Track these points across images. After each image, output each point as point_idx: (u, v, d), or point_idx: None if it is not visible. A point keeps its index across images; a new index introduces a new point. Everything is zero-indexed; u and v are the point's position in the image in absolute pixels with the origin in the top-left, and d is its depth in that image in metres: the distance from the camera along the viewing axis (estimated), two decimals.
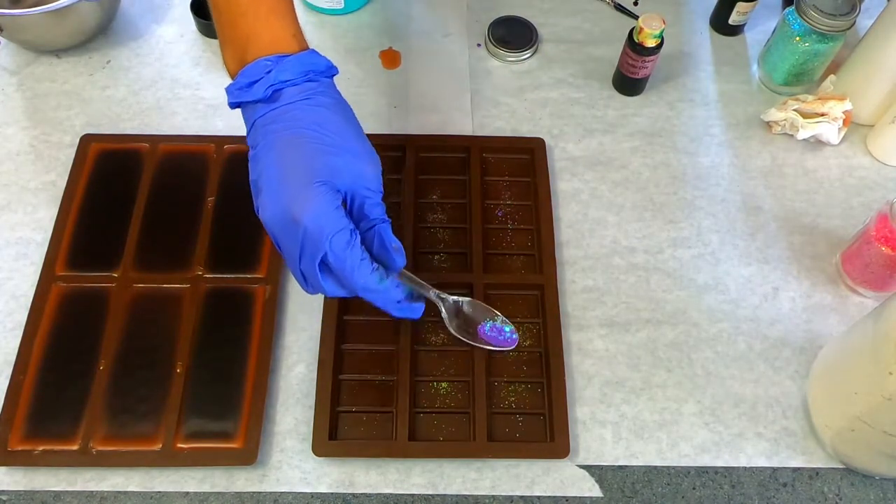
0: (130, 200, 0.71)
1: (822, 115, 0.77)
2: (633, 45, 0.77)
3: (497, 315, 0.64)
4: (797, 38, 0.76)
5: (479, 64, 0.84)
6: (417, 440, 0.61)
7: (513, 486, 0.61)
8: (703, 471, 0.62)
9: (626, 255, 0.72)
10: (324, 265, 0.52)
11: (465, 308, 0.63)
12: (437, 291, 0.61)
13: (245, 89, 0.53)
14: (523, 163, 0.75)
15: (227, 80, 0.79)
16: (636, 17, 0.87)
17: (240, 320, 0.65)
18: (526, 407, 0.63)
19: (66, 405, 0.61)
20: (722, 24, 0.87)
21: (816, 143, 0.79)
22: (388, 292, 0.54)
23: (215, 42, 0.84)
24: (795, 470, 0.62)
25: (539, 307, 0.67)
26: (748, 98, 0.83)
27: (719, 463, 0.62)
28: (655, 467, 0.62)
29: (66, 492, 0.59)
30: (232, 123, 0.78)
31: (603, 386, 0.65)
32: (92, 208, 0.70)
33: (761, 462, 0.62)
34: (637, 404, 0.64)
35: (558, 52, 0.85)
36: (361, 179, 0.53)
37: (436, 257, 0.70)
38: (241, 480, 0.60)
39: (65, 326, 0.64)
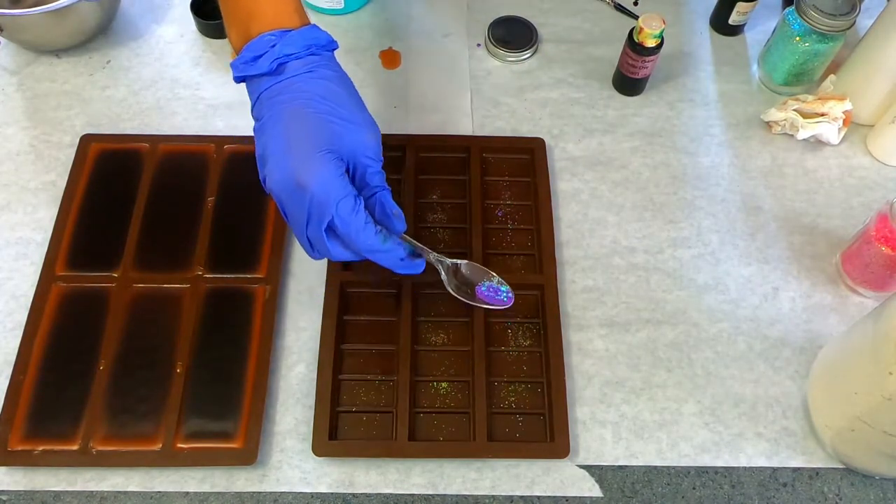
0: (130, 200, 0.71)
1: (822, 115, 0.77)
2: (633, 45, 0.77)
3: (493, 276, 0.64)
4: (797, 38, 0.76)
5: (479, 64, 0.84)
6: (417, 440, 0.61)
7: (513, 486, 0.61)
8: (703, 471, 0.62)
9: (626, 255, 0.72)
10: (329, 230, 0.54)
11: (463, 269, 0.64)
12: (436, 255, 0.63)
13: (250, 63, 0.55)
14: (523, 163, 0.75)
15: (228, 80, 0.81)
16: (636, 17, 0.87)
17: (240, 320, 0.65)
18: (526, 407, 0.63)
19: (66, 405, 0.61)
20: (722, 24, 0.87)
21: (816, 143, 0.79)
22: (393, 251, 0.57)
23: (215, 42, 0.84)
24: (795, 470, 0.62)
25: (539, 307, 0.67)
26: (748, 98, 0.83)
27: (719, 463, 0.62)
28: (655, 467, 0.62)
29: (66, 492, 0.59)
30: (232, 123, 0.78)
31: (603, 386, 0.65)
32: (92, 208, 0.70)
33: (761, 462, 0.62)
34: (637, 404, 0.64)
35: (558, 52, 0.85)
36: (363, 148, 0.55)
37: None
38: (241, 480, 0.60)
39: (65, 326, 0.64)
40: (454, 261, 0.64)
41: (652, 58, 0.77)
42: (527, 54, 0.84)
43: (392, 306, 0.66)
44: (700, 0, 0.90)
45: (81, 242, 0.69)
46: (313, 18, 0.86)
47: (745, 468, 0.62)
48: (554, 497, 0.60)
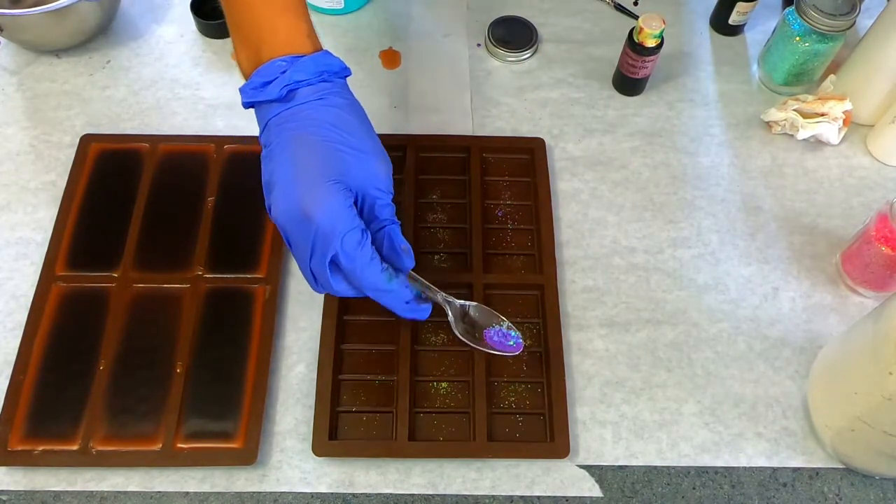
0: (130, 200, 0.71)
1: (822, 115, 0.77)
2: (633, 45, 0.77)
3: (503, 320, 0.63)
4: (797, 38, 0.76)
5: (479, 64, 0.84)
6: (417, 440, 0.61)
7: (513, 486, 0.61)
8: (703, 471, 0.62)
9: (626, 255, 0.72)
10: (333, 264, 0.52)
11: (472, 312, 0.63)
12: (444, 295, 0.61)
13: (259, 89, 0.53)
14: (523, 163, 0.75)
15: (228, 80, 0.81)
16: (636, 17, 0.87)
17: (240, 320, 0.65)
18: (526, 407, 0.63)
19: (66, 405, 0.61)
20: (722, 24, 0.87)
21: (816, 143, 0.79)
22: (397, 292, 0.55)
23: (215, 42, 0.84)
24: (795, 470, 0.62)
25: (539, 307, 0.67)
26: (748, 98, 0.83)
27: (719, 463, 0.62)
28: (655, 467, 0.62)
29: (66, 492, 0.59)
30: (232, 123, 0.78)
31: (603, 386, 0.65)
32: (92, 208, 0.70)
33: (761, 462, 0.62)
34: (637, 404, 0.64)
35: (558, 52, 0.85)
36: (372, 179, 0.53)
37: (436, 257, 0.70)
38: (241, 480, 0.60)
39: (65, 326, 0.64)
40: (463, 302, 0.62)
41: (652, 58, 0.77)
42: (527, 54, 0.84)
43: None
44: (700, 0, 0.90)
45: (81, 242, 0.69)
46: (313, 18, 0.86)
47: (745, 468, 0.62)
48: (554, 497, 0.60)
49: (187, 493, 0.60)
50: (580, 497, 0.60)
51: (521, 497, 0.60)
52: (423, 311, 0.58)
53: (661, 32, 0.76)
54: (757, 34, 0.88)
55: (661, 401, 0.64)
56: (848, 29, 0.74)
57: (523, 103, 0.81)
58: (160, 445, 0.60)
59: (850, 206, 0.75)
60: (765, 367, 0.66)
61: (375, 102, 0.80)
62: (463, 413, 0.63)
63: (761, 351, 0.67)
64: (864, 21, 0.80)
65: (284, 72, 0.53)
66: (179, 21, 0.85)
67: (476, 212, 0.71)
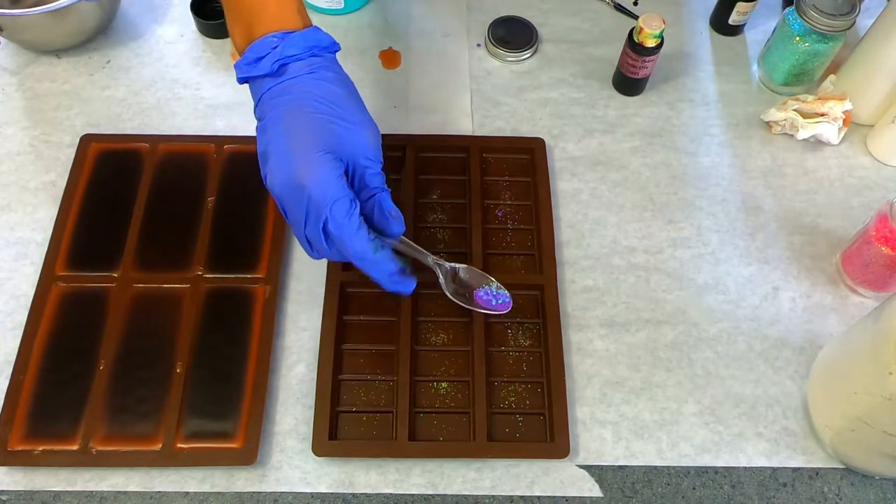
0: (130, 200, 0.71)
1: (822, 115, 0.77)
2: (633, 45, 0.77)
3: (492, 281, 0.64)
4: (797, 38, 0.76)
5: (479, 64, 0.84)
6: (417, 440, 0.61)
7: (513, 486, 0.61)
8: (703, 471, 0.62)
9: (626, 255, 0.72)
10: (325, 231, 0.54)
11: (462, 273, 0.64)
12: (434, 258, 0.63)
13: (253, 64, 0.55)
14: (523, 163, 0.75)
15: (228, 80, 0.81)
16: (636, 17, 0.87)
17: (240, 320, 0.65)
18: (526, 407, 0.63)
19: (66, 405, 0.61)
20: (722, 24, 0.87)
21: (816, 143, 0.79)
22: (383, 263, 0.56)
23: (215, 42, 0.84)
24: (795, 470, 0.62)
25: (539, 307, 0.67)
26: (748, 98, 0.83)
27: (719, 463, 0.62)
28: (655, 467, 0.62)
29: (66, 492, 0.59)
30: (232, 123, 0.78)
31: (603, 386, 0.65)
32: (92, 208, 0.70)
33: (761, 462, 0.62)
34: (637, 404, 0.64)
35: (558, 52, 0.85)
36: (362, 149, 0.55)
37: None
38: (241, 480, 0.60)
39: (65, 326, 0.64)
40: (453, 264, 0.64)
41: (652, 58, 0.77)
42: (527, 54, 0.84)
43: (392, 306, 0.66)
44: (700, 0, 0.90)
45: (81, 242, 0.69)
46: (313, 18, 0.86)
47: (745, 468, 0.62)
48: (554, 497, 0.60)
49: (187, 493, 0.60)
50: (580, 497, 0.60)
51: (521, 497, 0.60)
52: (407, 285, 0.59)
53: (661, 32, 0.76)
54: (757, 34, 0.88)
55: (661, 401, 0.64)
56: (848, 29, 0.74)
57: (523, 103, 0.81)
58: (160, 445, 0.60)
59: (850, 206, 0.75)
60: (765, 367, 0.66)
61: (375, 102, 0.80)
62: (463, 413, 0.63)
63: (761, 351, 0.67)
64: (864, 21, 0.80)
65: (276, 47, 0.55)
66: (179, 21, 0.85)
67: (476, 212, 0.71)
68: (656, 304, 0.69)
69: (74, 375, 0.62)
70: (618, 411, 0.64)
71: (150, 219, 0.70)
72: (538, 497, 0.60)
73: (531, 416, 0.63)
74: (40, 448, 0.59)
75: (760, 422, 0.64)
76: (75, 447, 0.59)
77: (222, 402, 0.61)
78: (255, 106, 0.57)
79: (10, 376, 0.62)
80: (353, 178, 0.56)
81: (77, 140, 0.74)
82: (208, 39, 0.84)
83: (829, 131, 0.77)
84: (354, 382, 0.64)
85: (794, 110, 0.78)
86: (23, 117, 0.78)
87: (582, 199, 0.75)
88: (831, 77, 0.79)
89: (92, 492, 0.59)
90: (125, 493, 0.59)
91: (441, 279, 0.63)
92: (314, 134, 0.54)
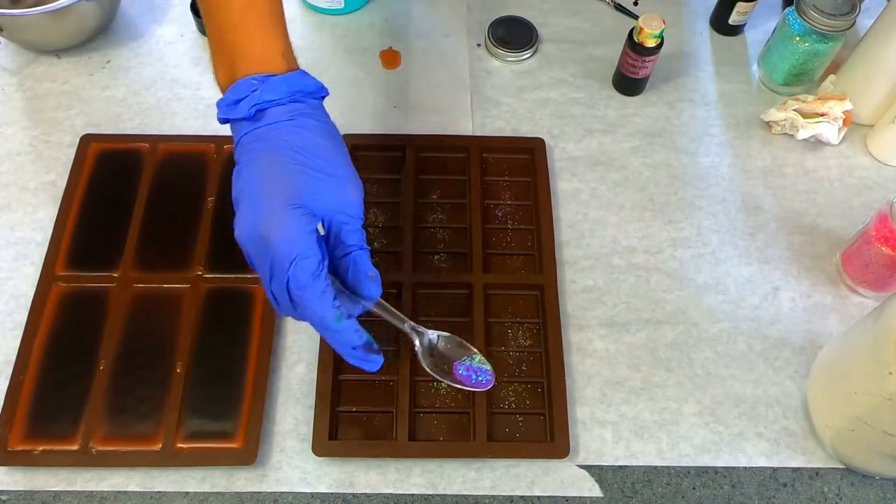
0: (130, 200, 0.71)
1: (822, 115, 0.77)
2: (633, 45, 0.77)
3: (475, 354, 0.60)
4: (797, 38, 0.76)
5: (479, 64, 0.84)
6: (417, 440, 0.61)
7: (513, 486, 0.61)
8: (703, 471, 0.62)
9: (626, 255, 0.72)
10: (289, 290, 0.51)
11: (441, 344, 0.60)
12: (412, 324, 0.58)
13: (232, 106, 0.52)
14: (523, 163, 0.75)
15: None
16: (636, 17, 0.87)
17: (240, 320, 0.65)
18: (526, 407, 0.63)
19: (66, 405, 0.61)
20: (722, 24, 0.87)
21: (816, 143, 0.79)
22: (344, 334, 0.52)
23: None
24: (795, 470, 0.62)
25: (539, 307, 0.67)
26: (748, 98, 0.83)
27: (719, 463, 0.62)
28: (655, 467, 0.62)
29: (66, 492, 0.59)
30: None
31: (603, 386, 0.65)
32: (92, 208, 0.70)
33: (761, 462, 0.62)
34: (637, 404, 0.64)
35: (558, 52, 0.85)
36: (340, 205, 0.52)
37: (436, 257, 0.70)
38: (241, 480, 0.60)
39: (65, 326, 0.64)
40: (432, 334, 0.59)
41: (652, 58, 0.77)
42: (527, 54, 0.84)
43: (392, 306, 0.66)
44: (700, 0, 0.90)
45: (81, 242, 0.69)
46: (313, 18, 0.87)
47: (745, 468, 0.62)
48: (554, 497, 0.60)
49: (187, 493, 0.60)
50: (580, 497, 0.60)
51: (521, 497, 0.60)
52: (371, 363, 0.54)
53: (661, 32, 0.76)
54: (757, 34, 0.88)
55: (661, 401, 0.64)
56: (848, 29, 0.74)
57: (523, 103, 0.81)
58: (160, 445, 0.60)
59: (850, 206, 0.75)
60: (765, 367, 0.66)
61: (375, 102, 0.80)
62: (463, 413, 0.63)
63: (761, 351, 0.67)
64: (864, 21, 0.80)
65: (255, 90, 0.52)
66: (179, 21, 0.85)
67: (476, 212, 0.71)
68: (656, 304, 0.69)
69: (74, 375, 0.62)
70: (618, 411, 0.64)
71: (150, 219, 0.70)
72: (538, 497, 0.60)
73: (531, 416, 0.63)
74: (40, 448, 0.59)
75: (760, 422, 0.64)
76: (75, 447, 0.59)
77: (222, 402, 0.61)
78: (234, 148, 0.54)
79: (10, 376, 0.62)
80: (328, 233, 0.52)
81: (77, 140, 0.74)
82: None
83: (829, 131, 0.77)
84: (354, 382, 0.64)
85: (794, 110, 0.78)
86: (23, 117, 0.78)
87: (582, 199, 0.75)
88: (831, 77, 0.79)
89: (92, 492, 0.59)
90: (125, 493, 0.59)
91: (418, 348, 0.58)
92: (286, 185, 0.50)
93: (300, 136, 0.52)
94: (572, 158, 0.77)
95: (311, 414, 0.62)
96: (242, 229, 0.50)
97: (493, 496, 0.60)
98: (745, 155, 0.79)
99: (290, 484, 0.60)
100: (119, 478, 0.60)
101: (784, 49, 0.78)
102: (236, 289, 0.66)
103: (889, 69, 0.74)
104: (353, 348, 0.53)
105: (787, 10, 0.77)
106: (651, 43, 0.76)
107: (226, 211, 0.70)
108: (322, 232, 0.52)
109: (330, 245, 0.52)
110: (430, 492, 0.60)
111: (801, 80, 0.81)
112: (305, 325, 0.66)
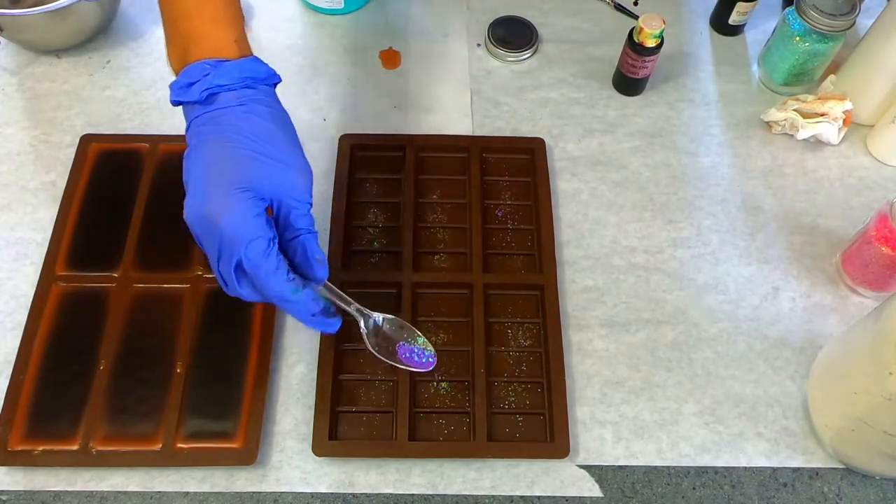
0: (130, 200, 0.71)
1: (822, 115, 0.77)
2: (633, 45, 0.77)
3: (418, 336, 0.61)
4: (797, 38, 0.76)
5: (479, 64, 0.84)
6: (417, 440, 0.61)
7: (513, 486, 0.61)
8: (703, 471, 0.62)
9: (626, 255, 0.72)
10: (241, 269, 0.52)
11: (386, 326, 0.60)
12: (357, 306, 0.58)
13: (184, 89, 0.53)
14: (523, 163, 0.75)
15: None
16: (636, 17, 0.87)
17: (240, 320, 0.65)
18: (526, 407, 0.63)
19: (66, 405, 0.61)
20: (722, 24, 0.87)
21: (816, 143, 0.79)
22: (303, 303, 0.53)
23: None
24: (795, 470, 0.62)
25: (539, 307, 0.67)
26: (748, 98, 0.83)
27: (719, 463, 0.62)
28: (655, 467, 0.62)
29: (66, 492, 0.59)
30: None
31: (603, 386, 0.65)
32: (92, 208, 0.70)
33: (761, 462, 0.62)
34: (637, 404, 0.64)
35: (558, 52, 0.85)
36: (288, 189, 0.53)
37: (436, 257, 0.70)
38: (241, 480, 0.60)
39: (65, 326, 0.64)
40: (377, 316, 0.60)
41: (652, 58, 0.77)
42: (527, 54, 0.84)
43: (392, 306, 0.66)
44: (700, 0, 0.90)
45: (81, 242, 0.69)
46: (313, 18, 0.87)
47: (745, 468, 0.62)
48: (554, 497, 0.60)
49: (187, 493, 0.60)
50: (580, 497, 0.60)
51: (521, 497, 0.60)
52: (331, 325, 0.57)
53: (661, 32, 0.76)
54: (757, 34, 0.88)
55: (661, 401, 0.64)
56: (848, 29, 0.74)
57: (523, 103, 0.81)
58: (160, 445, 0.60)
59: (850, 206, 0.75)
60: (765, 367, 0.66)
61: (375, 102, 0.80)
62: (463, 413, 0.63)
63: (761, 351, 0.67)
64: (864, 21, 0.80)
65: (207, 74, 0.53)
66: None
67: (476, 212, 0.71)
68: (656, 304, 0.69)
69: (74, 375, 0.62)
70: (618, 411, 0.64)
71: (150, 219, 0.70)
72: (538, 497, 0.60)
73: (531, 415, 0.63)
74: (40, 448, 0.59)
75: (760, 422, 0.64)
76: (75, 447, 0.59)
77: (222, 402, 0.61)
78: (186, 131, 0.55)
79: (10, 376, 0.62)
80: (277, 216, 0.53)
81: (77, 140, 0.74)
82: None
83: (829, 131, 0.77)
84: (354, 382, 0.64)
85: (794, 110, 0.78)
86: (23, 117, 0.78)
87: (582, 199, 0.75)
88: (831, 77, 0.79)
89: (92, 492, 0.59)
90: (125, 493, 0.59)
91: (363, 329, 0.59)
92: (233, 168, 0.51)
93: (249, 122, 0.53)
94: (572, 158, 0.77)
95: (311, 414, 0.62)
96: (190, 211, 0.51)
97: (493, 496, 0.60)
98: (745, 155, 0.79)
99: (290, 484, 0.60)
100: (119, 478, 0.60)
101: (784, 49, 0.78)
102: None
103: (889, 69, 0.74)
104: (313, 315, 0.55)
105: (787, 10, 0.77)
106: (651, 43, 0.76)
107: None
108: (271, 215, 0.53)
109: (279, 228, 0.53)
110: (430, 492, 0.60)
111: (801, 80, 0.81)
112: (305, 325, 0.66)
